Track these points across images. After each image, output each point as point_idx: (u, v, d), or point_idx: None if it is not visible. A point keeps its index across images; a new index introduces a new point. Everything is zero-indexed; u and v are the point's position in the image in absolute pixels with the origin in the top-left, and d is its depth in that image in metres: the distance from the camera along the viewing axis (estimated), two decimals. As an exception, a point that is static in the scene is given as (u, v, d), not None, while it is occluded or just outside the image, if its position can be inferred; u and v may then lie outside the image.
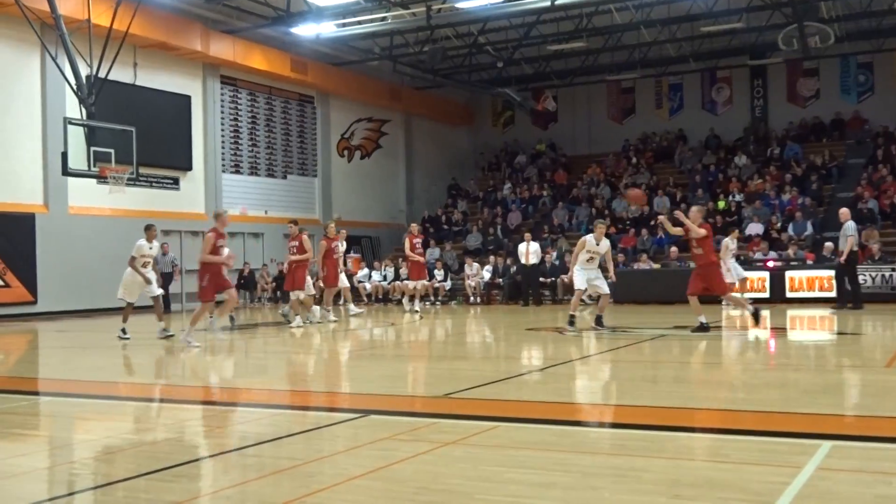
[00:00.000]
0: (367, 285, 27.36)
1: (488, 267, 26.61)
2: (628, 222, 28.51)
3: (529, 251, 24.35)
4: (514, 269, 25.81)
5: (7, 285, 22.29)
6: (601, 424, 6.83)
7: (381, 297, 27.04)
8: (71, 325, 20.17)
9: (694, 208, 14.21)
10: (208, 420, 7.43)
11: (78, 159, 20.04)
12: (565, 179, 34.09)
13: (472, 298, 26.05)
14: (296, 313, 17.20)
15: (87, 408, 8.19)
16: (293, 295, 17.19)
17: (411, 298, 21.88)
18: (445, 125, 38.36)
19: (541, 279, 24.90)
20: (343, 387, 9.38)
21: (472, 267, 26.56)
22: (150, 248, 14.69)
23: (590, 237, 14.74)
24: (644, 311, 19.81)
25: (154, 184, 25.85)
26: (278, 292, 27.63)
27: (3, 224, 22.15)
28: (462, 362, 11.18)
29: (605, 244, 14.83)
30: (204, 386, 9.87)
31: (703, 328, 13.51)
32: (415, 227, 21.73)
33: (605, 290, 14.79)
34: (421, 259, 20.96)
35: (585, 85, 35.78)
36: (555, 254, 26.22)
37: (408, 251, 20.82)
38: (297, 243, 17.19)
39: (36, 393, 9.54)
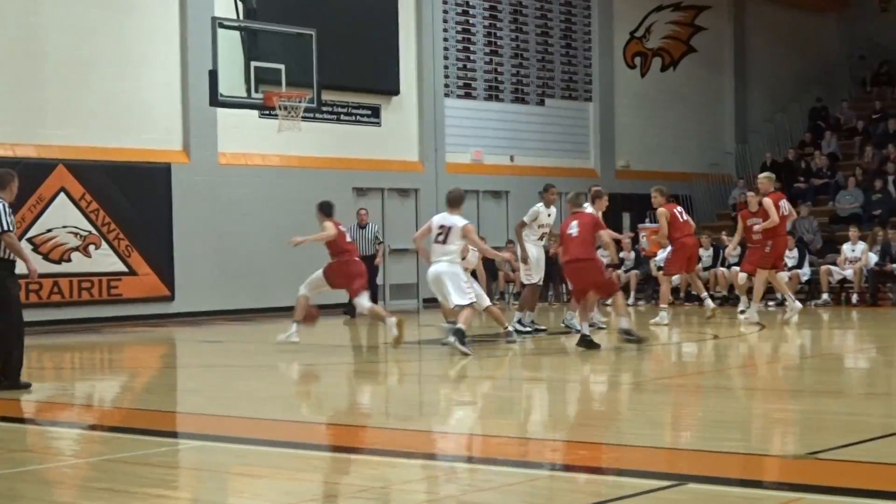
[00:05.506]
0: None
1: (874, 247, 25.65)
2: None
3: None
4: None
5: (132, 272, 23.11)
6: None
7: (695, 292, 26.72)
8: (227, 332, 21.04)
9: None
10: (425, 483, 7.64)
11: (232, 82, 20.84)
12: None
13: (844, 296, 25.32)
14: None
15: (259, 458, 8.61)
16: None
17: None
18: (802, 12, 37.38)
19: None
20: (639, 437, 9.34)
21: (854, 246, 25.56)
22: (550, 216, 17.64)
23: None
24: None
25: (343, 117, 26.73)
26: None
27: (126, 180, 23.15)
28: (833, 400, 10.92)
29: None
30: (414, 430, 10.11)
31: None
32: (765, 179, 21.39)
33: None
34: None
35: None
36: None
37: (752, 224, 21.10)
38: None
39: (174, 434, 10.13)
